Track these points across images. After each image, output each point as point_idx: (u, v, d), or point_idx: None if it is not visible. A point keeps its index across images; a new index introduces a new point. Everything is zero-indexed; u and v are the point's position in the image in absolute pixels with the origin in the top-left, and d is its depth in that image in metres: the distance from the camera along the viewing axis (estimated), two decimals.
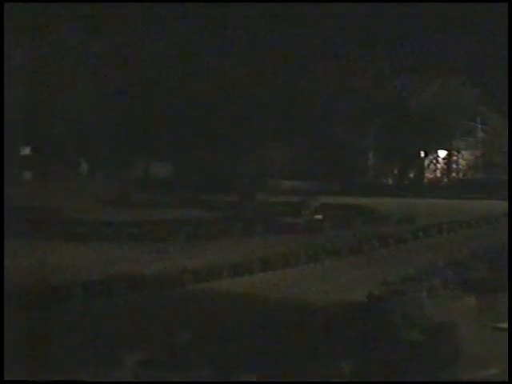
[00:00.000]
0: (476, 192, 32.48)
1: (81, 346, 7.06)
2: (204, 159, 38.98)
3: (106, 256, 13.18)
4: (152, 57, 34.52)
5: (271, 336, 6.97)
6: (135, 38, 33.88)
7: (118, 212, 21.47)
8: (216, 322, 7.95)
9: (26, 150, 36.24)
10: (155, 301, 9.60)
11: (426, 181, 44.16)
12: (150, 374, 6.17)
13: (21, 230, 15.97)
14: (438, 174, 46.00)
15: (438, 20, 34.65)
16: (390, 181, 44.08)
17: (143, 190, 30.23)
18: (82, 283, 9.80)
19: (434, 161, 45.77)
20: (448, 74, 39.51)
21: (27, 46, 30.66)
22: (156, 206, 23.91)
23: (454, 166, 46.54)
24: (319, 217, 19.41)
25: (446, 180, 45.04)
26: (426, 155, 44.72)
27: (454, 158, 46.31)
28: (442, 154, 45.55)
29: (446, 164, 46.18)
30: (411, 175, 44.60)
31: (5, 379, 5.14)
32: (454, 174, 46.06)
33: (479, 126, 45.69)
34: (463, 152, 46.28)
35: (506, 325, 7.82)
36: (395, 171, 44.58)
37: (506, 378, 6.10)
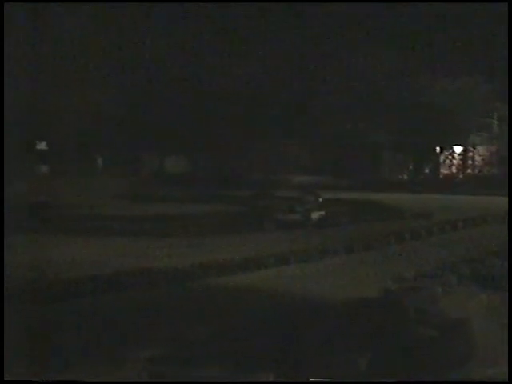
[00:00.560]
0: (492, 188, 32.29)
1: (91, 341, 7.05)
2: (217, 154, 38.97)
3: (120, 251, 13.19)
4: (166, 52, 34.51)
5: (284, 332, 6.93)
6: (148, 33, 33.88)
7: (131, 207, 21.51)
8: (227, 318, 7.92)
9: (42, 145, 36.33)
10: (167, 296, 9.58)
11: (441, 176, 43.97)
12: (160, 369, 6.15)
13: (35, 224, 16.03)
14: (454, 170, 45.77)
15: (451, 16, 34.48)
16: (406, 176, 43.93)
17: (157, 185, 30.25)
18: (94, 277, 9.80)
19: (450, 156, 45.55)
20: (463, 69, 39.31)
21: (42, 44, 30.72)
22: (170, 200, 23.91)
23: (470, 161, 46.31)
24: (319, 214, 18.78)
25: (461, 176, 44.83)
26: (442, 151, 44.53)
27: (470, 153, 46.08)
28: (458, 149, 45.34)
29: (461, 160, 45.96)
30: (426, 171, 44.41)
31: (5, 379, 5.11)
32: (469, 170, 45.84)
33: (495, 121, 45.44)
34: (479, 148, 46.05)
35: None
36: (410, 167, 44.41)
37: (506, 378, 6.04)
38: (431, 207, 21.46)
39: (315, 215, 18.53)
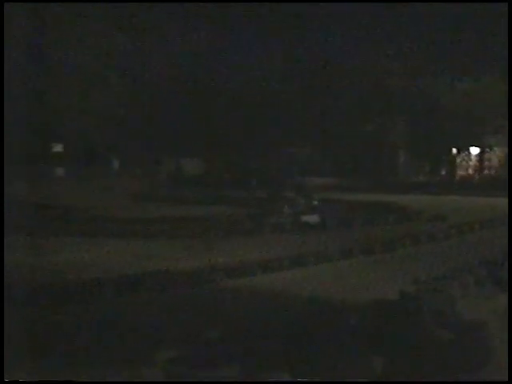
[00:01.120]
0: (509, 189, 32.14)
1: (110, 341, 7.08)
2: (234, 156, 39.02)
3: (137, 252, 13.23)
4: (181, 54, 34.58)
5: (302, 334, 6.93)
6: (164, 34, 33.95)
7: (149, 209, 21.55)
8: (244, 319, 7.94)
9: (58, 147, 36.47)
10: (186, 297, 9.62)
11: (457, 178, 43.84)
12: (180, 370, 6.16)
13: (52, 226, 16.11)
14: (470, 171, 45.63)
15: (469, 15, 34.37)
16: (422, 178, 43.81)
17: (173, 187, 30.33)
18: (112, 279, 9.84)
19: (466, 158, 45.42)
20: (480, 70, 39.17)
21: (57, 45, 30.85)
22: (187, 202, 23.97)
23: (487, 163, 46.15)
24: (311, 217, 18.22)
25: (477, 177, 44.67)
26: (458, 152, 44.40)
27: (487, 155, 45.92)
28: (475, 151, 45.19)
29: (478, 161, 45.81)
30: (443, 172, 44.29)
31: (5, 379, 5.12)
32: (486, 172, 45.67)
33: None
34: (495, 149, 45.87)
35: None
36: (426, 168, 44.29)
37: (506, 378, 6.02)
38: (448, 209, 21.41)
39: (307, 218, 18.11)
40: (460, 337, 6.88)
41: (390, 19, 35.49)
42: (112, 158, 38.20)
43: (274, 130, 37.69)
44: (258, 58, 35.70)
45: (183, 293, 9.93)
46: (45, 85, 30.07)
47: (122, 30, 32.59)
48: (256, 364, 6.20)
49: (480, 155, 45.44)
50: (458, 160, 45.20)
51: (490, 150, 45.68)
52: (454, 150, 44.08)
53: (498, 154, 46.08)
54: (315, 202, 20.09)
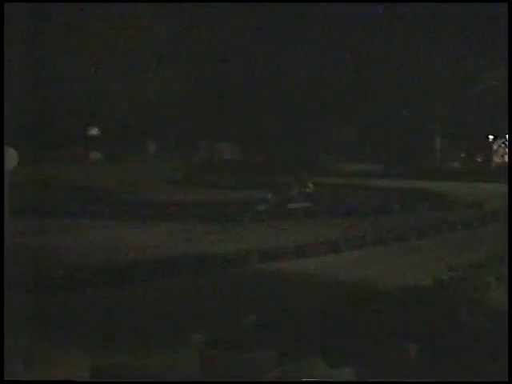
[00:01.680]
0: None
1: (147, 324, 7.17)
2: (269, 140, 39.02)
3: (172, 236, 13.32)
4: (221, 39, 34.59)
5: (334, 319, 6.97)
6: (201, 21, 33.98)
7: (183, 192, 21.66)
8: (280, 304, 7.98)
9: (94, 131, 36.74)
10: (220, 281, 9.68)
11: (494, 165, 43.46)
12: (215, 353, 6.22)
13: (88, 210, 16.26)
14: (507, 159, 45.21)
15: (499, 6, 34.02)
16: (458, 165, 43.51)
17: (209, 171, 30.43)
18: (147, 262, 9.93)
19: (503, 145, 44.99)
20: None
21: (93, 29, 31.03)
22: (221, 186, 24.04)
23: None
24: (300, 205, 17.72)
25: None
26: (495, 139, 44.00)
27: None
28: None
29: None
30: (479, 159, 43.95)
31: (5, 379, 5.21)
32: None
33: None
34: None
35: None
36: (463, 155, 43.98)
37: (505, 378, 5.98)
38: (484, 196, 21.25)
39: (296, 206, 17.67)
40: (496, 325, 6.88)
41: (432, 8, 35.20)
42: (149, 142, 38.41)
43: (312, 117, 37.64)
44: (300, 46, 35.60)
45: (219, 276, 10.00)
46: (84, 70, 30.28)
47: (159, 16, 32.70)
48: (290, 349, 6.24)
49: None
50: (495, 147, 44.81)
51: None
52: (491, 137, 43.71)
53: None
54: (308, 189, 19.57)
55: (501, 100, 39.64)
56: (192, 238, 13.02)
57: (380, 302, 7.79)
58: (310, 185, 19.96)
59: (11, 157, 12.62)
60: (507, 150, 45.02)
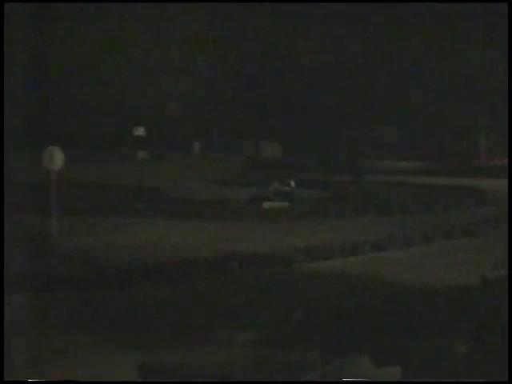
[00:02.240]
0: None
1: (194, 322, 7.25)
2: (314, 139, 38.96)
3: (218, 234, 13.39)
4: (268, 39, 34.66)
5: (381, 317, 6.98)
6: (249, 21, 34.06)
7: (229, 191, 21.73)
8: (328, 302, 8.01)
9: (140, 131, 37.00)
10: (267, 279, 9.73)
11: None
12: (261, 352, 6.27)
13: (135, 209, 16.43)
14: None
15: None
16: (503, 163, 43.01)
17: (253, 170, 30.45)
18: (194, 260, 10.02)
19: None
20: None
21: (141, 30, 31.29)
22: (266, 185, 24.03)
23: None
24: (277, 204, 17.27)
25: None
26: None
27: None
28: None
29: None
30: None
31: (5, 379, 5.31)
32: None
33: None
34: None
35: None
36: (506, 153, 43.46)
37: (506, 378, 5.94)
38: None
39: (270, 205, 17.28)
40: None
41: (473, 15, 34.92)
42: (195, 142, 38.57)
43: (360, 115, 37.52)
44: (339, 43, 35.52)
45: (263, 274, 10.05)
46: (131, 71, 30.57)
47: (207, 16, 32.86)
48: (335, 347, 6.26)
49: None
50: None
51: None
52: None
53: None
54: (289, 188, 18.98)
55: None
56: (236, 237, 13.09)
57: (427, 301, 7.79)
58: (292, 183, 19.48)
59: (59, 157, 12.83)
60: None
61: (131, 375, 5.90)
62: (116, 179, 22.49)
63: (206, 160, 34.17)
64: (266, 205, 17.28)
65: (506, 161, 43.04)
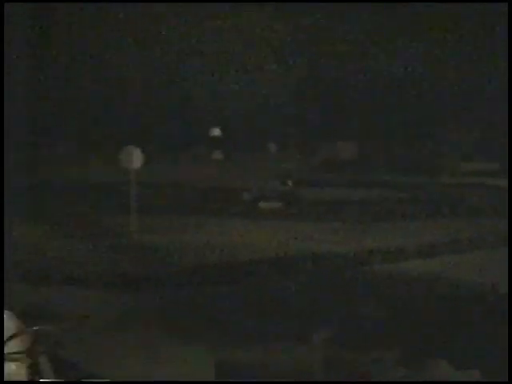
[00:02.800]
0: None
1: (269, 320, 7.28)
2: (389, 141, 38.68)
3: (292, 234, 13.40)
4: (340, 38, 34.54)
5: (458, 320, 6.92)
6: (321, 20, 34.01)
7: (303, 191, 21.73)
8: (404, 304, 7.98)
9: (216, 131, 37.26)
10: (342, 280, 9.72)
11: None
12: (332, 351, 6.26)
13: (210, 207, 16.55)
14: None
15: None
16: None
17: (327, 171, 30.39)
18: (266, 260, 10.06)
19: None
20: None
21: (213, 35, 31.55)
22: (341, 186, 23.99)
23: None
24: (268, 205, 17.25)
25: None
26: None
27: None
28: None
29: None
30: None
31: (5, 380, 5.38)
32: None
33: None
34: None
35: None
36: None
37: (506, 378, 5.78)
38: None
39: (267, 205, 17.29)
40: None
41: None
42: (270, 143, 38.66)
43: (432, 116, 37.11)
44: (424, 48, 35.19)
45: (339, 275, 10.04)
46: (206, 71, 30.85)
47: (278, 15, 32.94)
48: (412, 349, 6.22)
49: None
50: None
51: None
52: None
53: None
54: (287, 187, 18.99)
55: None
56: (313, 237, 13.09)
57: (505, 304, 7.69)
58: (290, 182, 19.31)
59: (137, 157, 13.04)
60: None
61: (207, 373, 5.96)
62: (192, 179, 22.72)
63: (282, 161, 34.24)
64: (262, 204, 17.38)
65: None
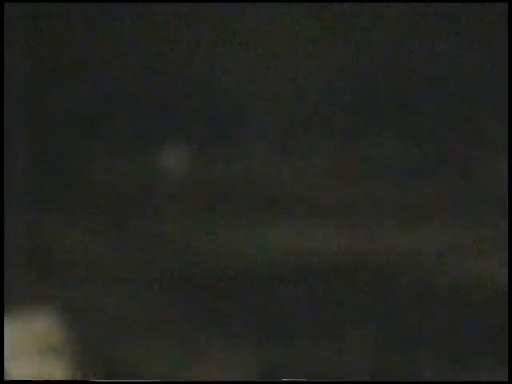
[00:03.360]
0: None
1: (322, 323, 7.37)
2: (437, 136, 38.46)
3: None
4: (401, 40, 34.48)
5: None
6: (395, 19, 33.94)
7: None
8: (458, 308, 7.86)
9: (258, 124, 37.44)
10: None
11: None
12: (383, 354, 6.28)
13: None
14: None
15: None
16: None
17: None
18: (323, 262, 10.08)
19: None
20: None
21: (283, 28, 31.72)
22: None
23: None
24: None
25: None
26: None
27: None
28: None
29: None
30: None
31: (5, 379, 5.36)
32: None
33: None
34: None
35: None
36: None
37: (505, 378, 5.64)
38: None
39: None
40: None
41: None
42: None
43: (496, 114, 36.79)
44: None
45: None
46: (266, 70, 31.09)
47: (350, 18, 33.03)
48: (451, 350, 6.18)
49: None
50: None
51: None
52: None
53: None
54: None
55: None
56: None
57: None
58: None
59: (180, 153, 13.22)
60: None
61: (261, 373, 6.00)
62: (246, 178, 22.83)
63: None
64: None
65: None
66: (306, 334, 6.75)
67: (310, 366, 6.10)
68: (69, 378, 4.71)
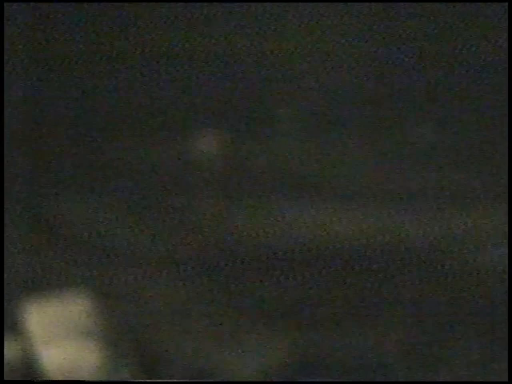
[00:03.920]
0: None
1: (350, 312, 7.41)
2: (462, 126, 38.37)
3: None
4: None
5: None
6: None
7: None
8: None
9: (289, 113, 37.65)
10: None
11: None
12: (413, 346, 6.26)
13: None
14: None
15: None
16: None
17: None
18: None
19: None
20: None
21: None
22: None
23: None
24: None
25: None
26: None
27: None
28: None
29: None
30: None
31: (5, 379, 5.35)
32: None
33: None
34: None
35: None
36: None
37: (506, 378, 5.51)
38: None
39: None
40: None
41: None
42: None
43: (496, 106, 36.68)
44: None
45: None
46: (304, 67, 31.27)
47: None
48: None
49: None
50: None
51: None
52: None
53: None
54: None
55: None
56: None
57: None
58: None
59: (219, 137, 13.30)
60: None
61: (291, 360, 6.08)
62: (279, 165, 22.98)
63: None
64: None
65: None
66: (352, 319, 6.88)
67: (354, 349, 6.23)
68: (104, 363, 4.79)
